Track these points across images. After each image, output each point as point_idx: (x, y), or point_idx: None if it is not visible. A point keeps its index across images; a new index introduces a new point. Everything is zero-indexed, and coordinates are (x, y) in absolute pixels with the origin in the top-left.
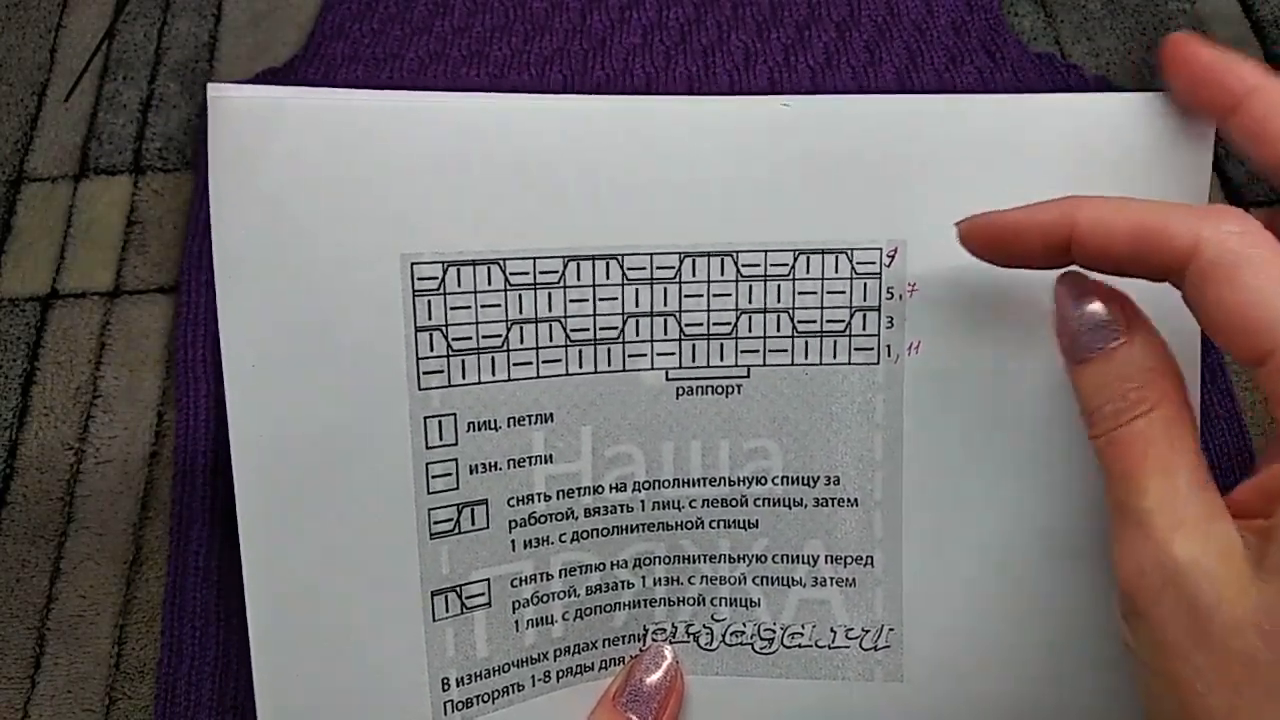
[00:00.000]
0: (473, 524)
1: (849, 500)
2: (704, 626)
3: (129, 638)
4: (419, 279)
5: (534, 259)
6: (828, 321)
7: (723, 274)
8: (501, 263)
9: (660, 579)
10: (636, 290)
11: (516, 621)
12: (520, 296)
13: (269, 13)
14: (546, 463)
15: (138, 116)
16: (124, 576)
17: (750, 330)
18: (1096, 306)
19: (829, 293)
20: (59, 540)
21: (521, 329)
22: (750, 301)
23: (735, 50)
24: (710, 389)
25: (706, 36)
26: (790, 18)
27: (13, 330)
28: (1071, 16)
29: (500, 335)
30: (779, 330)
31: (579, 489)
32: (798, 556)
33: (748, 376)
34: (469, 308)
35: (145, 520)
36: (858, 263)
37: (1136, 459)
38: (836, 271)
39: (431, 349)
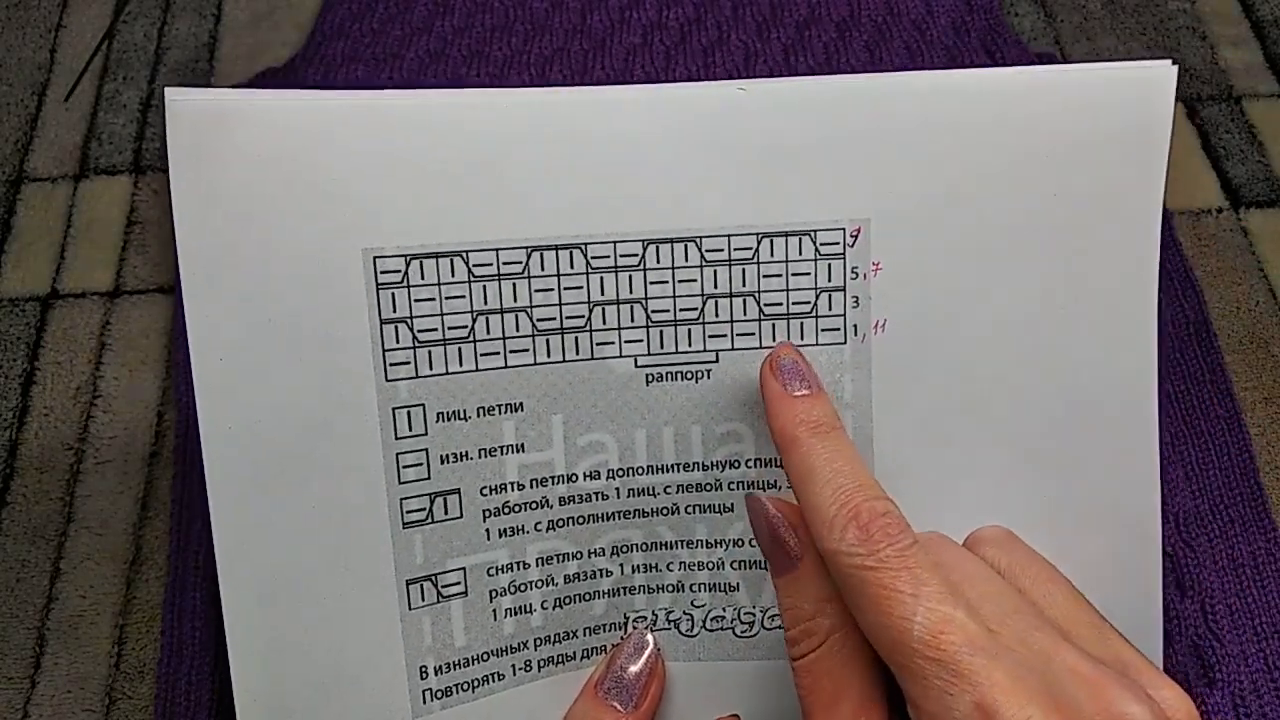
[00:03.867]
0: (446, 513)
1: None
2: (684, 613)
3: (129, 638)
4: (381, 272)
5: (497, 250)
6: (794, 304)
7: (687, 260)
8: (464, 254)
9: (638, 566)
10: (601, 279)
11: (494, 610)
12: (484, 288)
13: (269, 13)
14: (518, 452)
15: (138, 116)
16: (124, 576)
17: (717, 315)
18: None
19: (794, 275)
20: (59, 540)
21: (487, 320)
22: (716, 286)
23: (735, 50)
24: (680, 375)
25: (706, 36)
26: (790, 18)
27: (13, 330)
28: (1071, 16)
29: (466, 326)
30: (745, 314)
31: (552, 478)
32: None
33: (716, 361)
34: (433, 300)
35: (145, 520)
36: (821, 244)
37: (809, 689)
38: (800, 253)
39: (397, 341)
